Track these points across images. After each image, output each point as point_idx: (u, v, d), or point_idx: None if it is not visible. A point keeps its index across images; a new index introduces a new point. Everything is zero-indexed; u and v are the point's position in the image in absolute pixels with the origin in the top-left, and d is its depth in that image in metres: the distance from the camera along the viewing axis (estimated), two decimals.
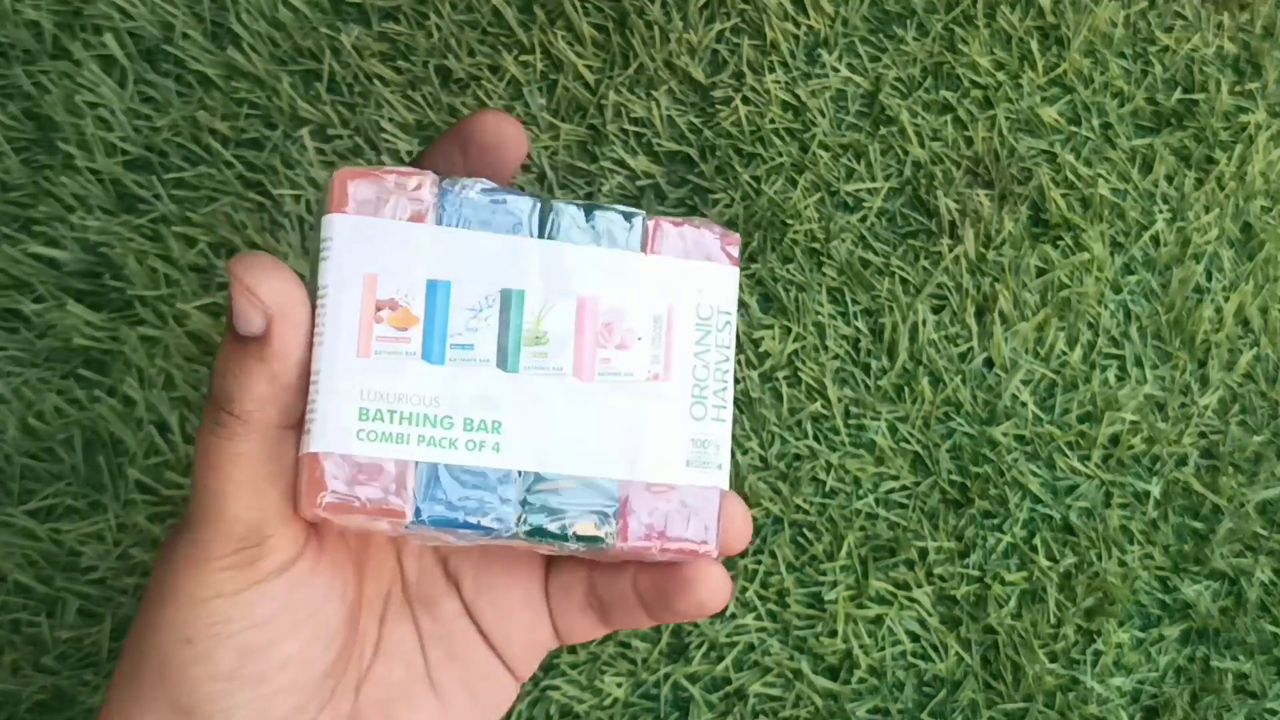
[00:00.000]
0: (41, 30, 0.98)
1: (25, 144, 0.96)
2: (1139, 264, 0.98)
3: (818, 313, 0.95)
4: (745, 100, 1.00)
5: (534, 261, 0.30)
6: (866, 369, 0.94)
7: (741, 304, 0.94)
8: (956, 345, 0.95)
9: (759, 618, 0.88)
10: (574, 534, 0.29)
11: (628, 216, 0.31)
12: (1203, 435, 0.94)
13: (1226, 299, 0.97)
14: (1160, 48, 1.04)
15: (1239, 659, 0.90)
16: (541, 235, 0.30)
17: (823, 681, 0.87)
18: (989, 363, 0.95)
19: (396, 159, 0.96)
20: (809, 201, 0.97)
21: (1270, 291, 0.98)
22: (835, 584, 0.89)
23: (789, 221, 0.96)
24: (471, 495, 0.28)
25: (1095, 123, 1.02)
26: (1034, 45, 1.03)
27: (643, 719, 0.86)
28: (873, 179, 0.99)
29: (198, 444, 0.30)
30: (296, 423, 0.30)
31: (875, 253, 0.97)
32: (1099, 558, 0.91)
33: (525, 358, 0.29)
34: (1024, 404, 0.94)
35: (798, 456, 0.91)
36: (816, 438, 0.92)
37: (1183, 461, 0.94)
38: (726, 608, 0.88)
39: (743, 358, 0.93)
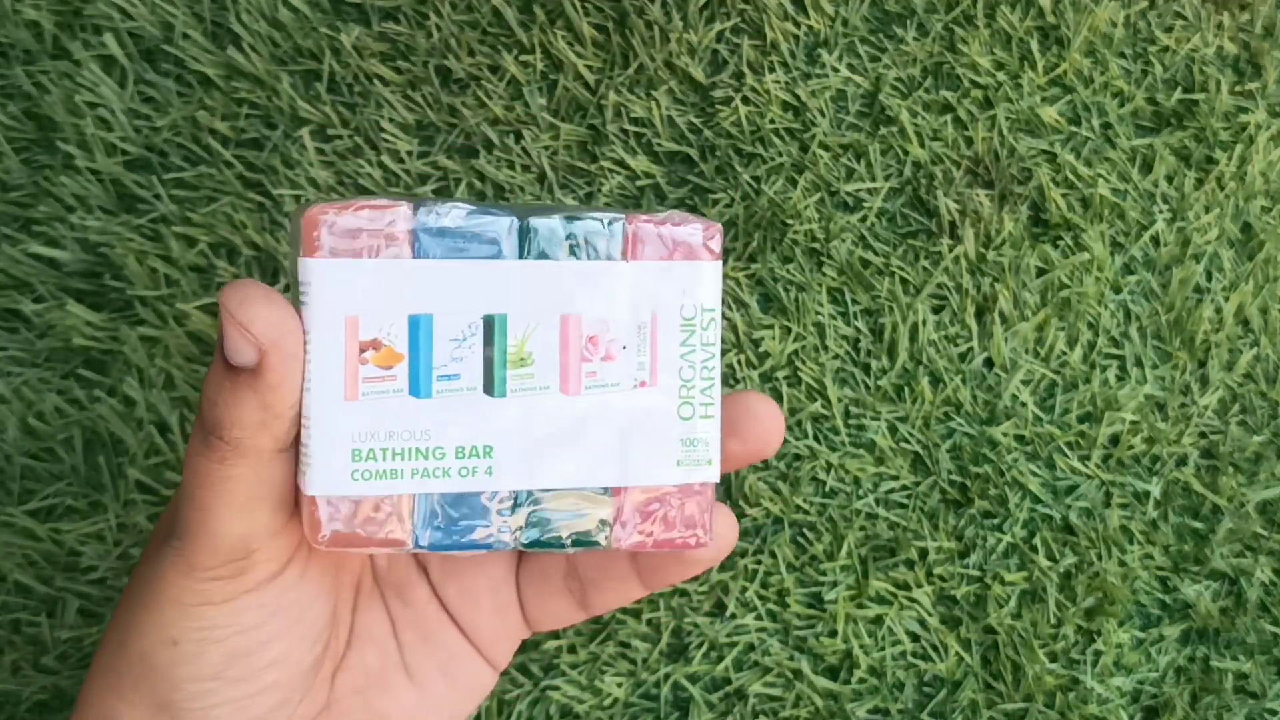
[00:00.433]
0: (41, 30, 0.98)
1: (25, 144, 0.96)
2: (1139, 264, 0.98)
3: (818, 313, 0.95)
4: (745, 100, 1.00)
5: (514, 284, 0.30)
6: (866, 369, 0.94)
7: (741, 304, 0.94)
8: (956, 345, 0.95)
9: (759, 618, 0.88)
10: (570, 540, 0.30)
11: (607, 223, 0.31)
12: (1203, 435, 0.94)
13: (1226, 299, 0.97)
14: (1160, 48, 1.04)
15: (1239, 659, 0.90)
16: (521, 255, 0.30)
17: (823, 681, 0.87)
18: (989, 363, 0.95)
19: (396, 159, 0.96)
20: (809, 201, 0.97)
21: (1270, 291, 0.98)
22: (835, 584, 0.89)
23: (789, 221, 0.96)
24: (467, 519, 0.29)
25: (1095, 123, 1.02)
26: (1034, 45, 1.03)
27: (643, 719, 0.86)
28: (873, 179, 0.99)
29: (187, 462, 0.30)
30: (290, 445, 0.30)
31: (875, 253, 0.97)
32: (1099, 558, 0.91)
33: (511, 380, 0.30)
34: (1024, 404, 0.94)
35: (798, 456, 0.91)
36: (816, 438, 0.92)
37: (1183, 461, 0.94)
38: (726, 609, 0.88)
39: (742, 358, 0.93)
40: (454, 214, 0.30)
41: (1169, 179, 1.01)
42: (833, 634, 0.88)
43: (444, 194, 0.96)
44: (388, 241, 0.29)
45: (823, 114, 1.00)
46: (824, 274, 0.96)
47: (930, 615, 0.89)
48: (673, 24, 1.01)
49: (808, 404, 0.92)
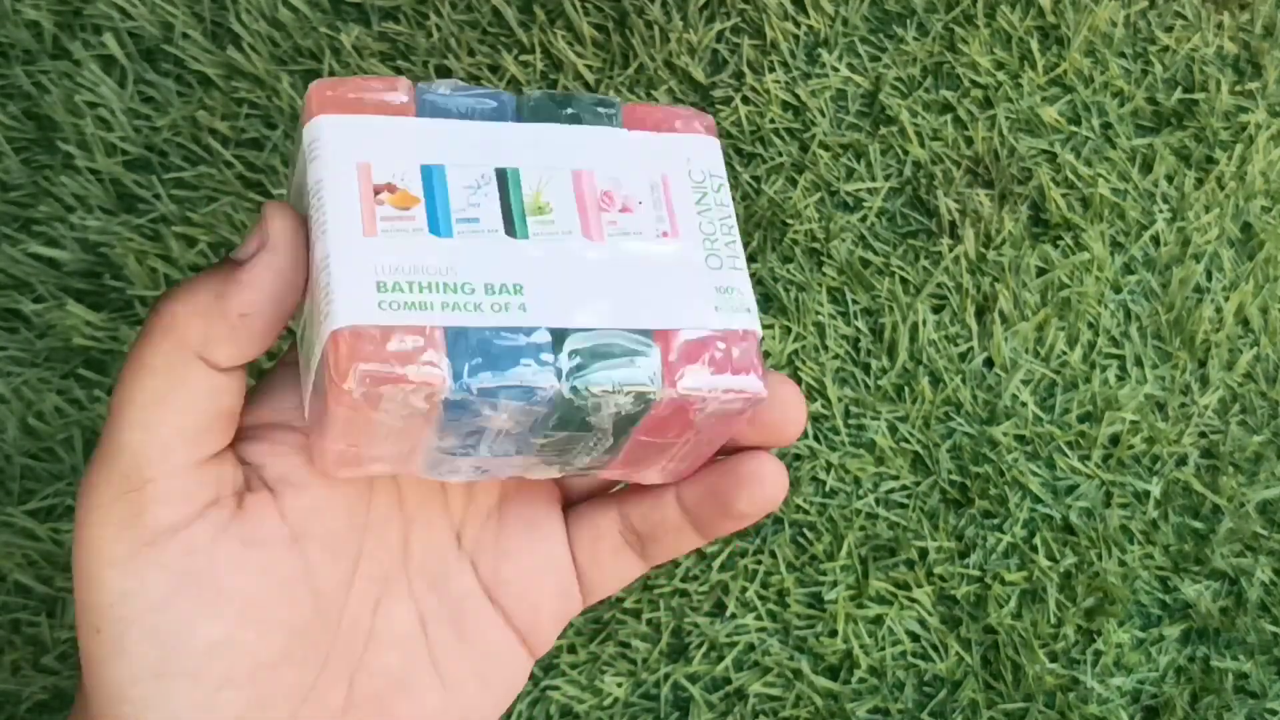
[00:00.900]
0: (41, 30, 0.98)
1: (25, 144, 0.96)
2: (1139, 264, 0.98)
3: (818, 312, 0.95)
4: (745, 100, 1.00)
5: (521, 143, 0.30)
6: (866, 369, 0.94)
7: None
8: (956, 345, 0.95)
9: (759, 617, 0.88)
10: (621, 389, 0.28)
11: (604, 103, 0.32)
12: (1203, 435, 0.94)
13: (1226, 299, 0.97)
14: (1160, 47, 1.04)
15: (1239, 659, 0.90)
16: (521, 120, 0.30)
17: (823, 681, 0.87)
18: (989, 362, 0.95)
19: None
20: (809, 201, 0.97)
21: (1270, 291, 0.98)
22: (835, 584, 0.89)
23: (789, 221, 0.96)
24: (506, 356, 0.27)
25: (1095, 122, 1.02)
26: (1034, 45, 1.03)
27: (643, 719, 0.86)
28: (873, 179, 0.99)
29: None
30: (224, 367, 0.28)
31: (875, 253, 0.97)
32: (1099, 558, 0.91)
33: (532, 225, 0.29)
34: (1024, 404, 0.93)
35: (798, 456, 0.91)
36: (816, 438, 0.92)
37: (1183, 461, 0.94)
38: (726, 609, 0.88)
39: None
40: (452, 87, 0.30)
41: (1169, 179, 1.01)
42: (833, 634, 0.88)
43: None
44: (393, 101, 0.29)
45: (823, 114, 1.00)
46: (824, 274, 0.96)
47: (930, 615, 0.89)
48: (673, 24, 1.01)
49: (808, 404, 0.92)
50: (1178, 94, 1.03)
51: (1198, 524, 0.92)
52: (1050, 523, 0.92)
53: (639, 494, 0.33)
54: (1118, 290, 0.97)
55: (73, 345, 0.89)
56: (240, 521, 0.28)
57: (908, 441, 0.92)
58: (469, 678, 0.33)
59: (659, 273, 0.30)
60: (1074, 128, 1.01)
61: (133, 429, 0.27)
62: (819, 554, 0.90)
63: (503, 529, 0.33)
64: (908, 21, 1.03)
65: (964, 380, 0.94)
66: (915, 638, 0.89)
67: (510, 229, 0.29)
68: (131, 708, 0.27)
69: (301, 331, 0.31)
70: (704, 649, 0.87)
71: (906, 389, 0.93)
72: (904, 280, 0.96)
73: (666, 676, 0.87)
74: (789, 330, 0.94)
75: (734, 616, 0.88)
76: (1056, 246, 0.97)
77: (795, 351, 0.94)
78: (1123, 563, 0.91)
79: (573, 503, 0.34)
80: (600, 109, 0.31)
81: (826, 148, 0.99)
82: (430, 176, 0.29)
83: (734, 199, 0.97)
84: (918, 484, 0.92)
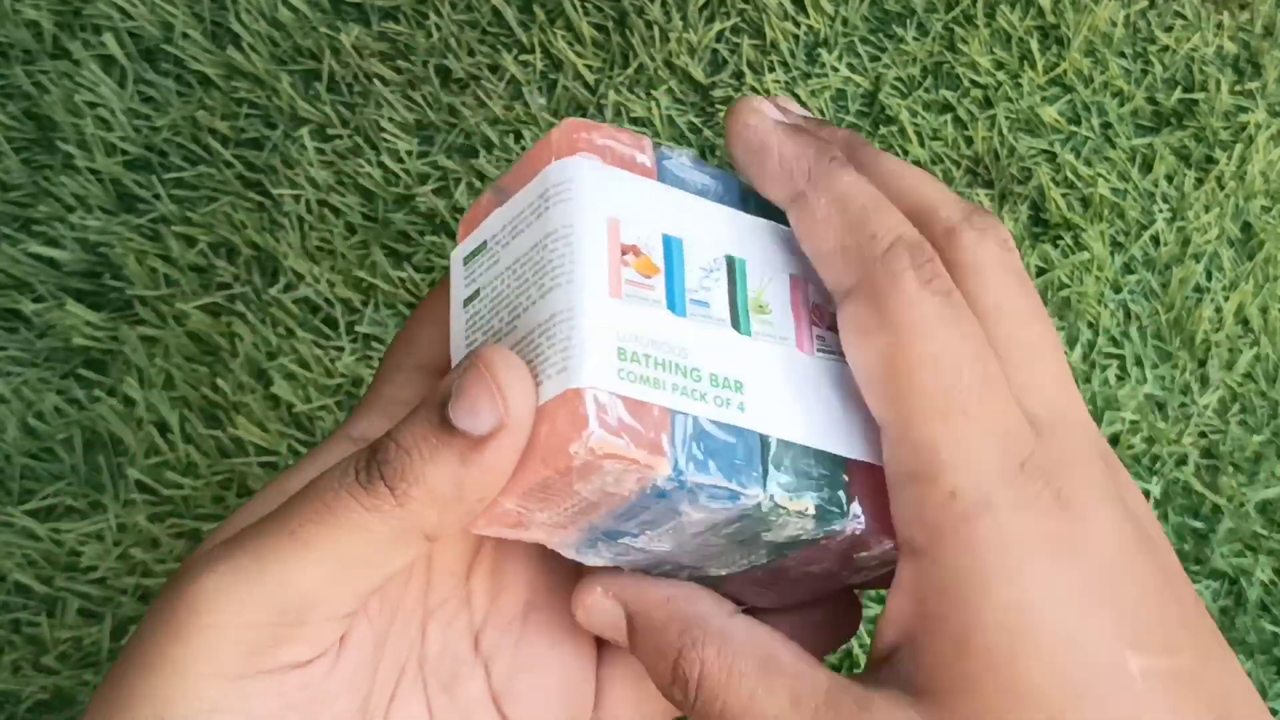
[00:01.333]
0: (41, 30, 0.98)
1: (25, 144, 0.96)
2: (1139, 263, 0.98)
3: None
4: None
5: (749, 235, 0.29)
6: None
7: None
8: None
9: None
10: (812, 512, 0.26)
11: None
12: (1203, 435, 0.94)
13: (1226, 298, 0.97)
14: (1160, 47, 1.04)
15: (1239, 659, 0.90)
16: (748, 211, 0.29)
17: None
18: None
19: (396, 158, 0.96)
20: None
21: (1270, 291, 0.98)
22: None
23: None
24: (722, 454, 0.25)
25: (1095, 122, 1.02)
26: (1034, 45, 1.03)
27: None
28: None
29: (317, 484, 0.25)
30: (435, 539, 0.25)
31: None
32: None
33: (755, 323, 0.28)
34: None
35: None
36: None
37: (1183, 461, 0.94)
38: None
39: None
40: (689, 157, 0.29)
41: (1169, 178, 1.01)
42: None
43: (443, 194, 0.96)
44: (639, 160, 0.28)
45: (823, 113, 1.00)
46: None
47: None
48: (672, 23, 1.01)
49: None
50: (1178, 94, 1.03)
51: (1197, 524, 0.92)
52: None
53: None
54: (1117, 290, 0.97)
55: (72, 345, 0.89)
56: (346, 649, 0.27)
57: None
58: None
59: (858, 400, 0.28)
60: (1074, 128, 1.01)
61: (319, 575, 0.24)
62: None
63: (524, 638, 0.31)
64: (908, 21, 1.03)
65: None
66: None
67: (735, 322, 0.27)
68: None
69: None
70: None
71: None
72: None
73: None
74: None
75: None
76: (1056, 246, 0.97)
77: None
78: None
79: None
80: None
81: None
82: (670, 248, 0.27)
83: None
84: None
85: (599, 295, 0.25)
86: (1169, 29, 1.05)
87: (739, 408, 0.26)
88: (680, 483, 0.25)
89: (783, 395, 0.27)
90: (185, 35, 0.99)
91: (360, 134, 0.97)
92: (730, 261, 0.28)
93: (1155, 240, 0.99)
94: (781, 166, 0.28)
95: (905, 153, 1.00)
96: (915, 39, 1.02)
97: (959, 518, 0.24)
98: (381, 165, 0.96)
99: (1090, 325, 0.96)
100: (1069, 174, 0.99)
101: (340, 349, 0.91)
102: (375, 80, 0.98)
